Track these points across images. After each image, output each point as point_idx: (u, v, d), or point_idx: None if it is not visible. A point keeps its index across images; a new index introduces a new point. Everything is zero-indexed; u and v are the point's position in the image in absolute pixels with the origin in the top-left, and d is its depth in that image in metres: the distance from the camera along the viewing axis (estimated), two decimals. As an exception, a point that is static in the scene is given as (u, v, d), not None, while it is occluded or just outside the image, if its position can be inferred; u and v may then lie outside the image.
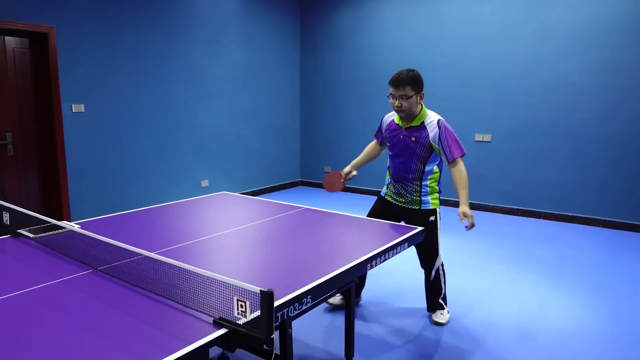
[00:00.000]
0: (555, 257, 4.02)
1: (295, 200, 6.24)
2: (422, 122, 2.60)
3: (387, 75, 6.24)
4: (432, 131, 2.56)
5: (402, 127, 2.66)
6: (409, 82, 2.50)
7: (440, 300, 2.83)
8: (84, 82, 4.50)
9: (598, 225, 5.01)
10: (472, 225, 2.52)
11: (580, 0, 4.85)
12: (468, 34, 5.56)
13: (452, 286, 3.36)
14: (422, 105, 2.62)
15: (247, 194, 6.38)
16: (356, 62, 6.54)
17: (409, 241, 2.21)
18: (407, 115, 2.60)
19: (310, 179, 7.31)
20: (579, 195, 5.09)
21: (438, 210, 2.74)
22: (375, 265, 1.95)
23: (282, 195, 6.63)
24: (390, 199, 2.81)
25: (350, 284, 1.99)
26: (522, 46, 5.23)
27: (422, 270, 3.63)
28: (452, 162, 2.57)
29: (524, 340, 2.60)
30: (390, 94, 2.56)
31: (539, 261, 3.91)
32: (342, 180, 2.88)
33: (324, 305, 3.02)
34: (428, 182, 2.70)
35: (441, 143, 2.56)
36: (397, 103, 2.54)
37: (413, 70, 2.54)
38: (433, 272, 2.78)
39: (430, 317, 2.89)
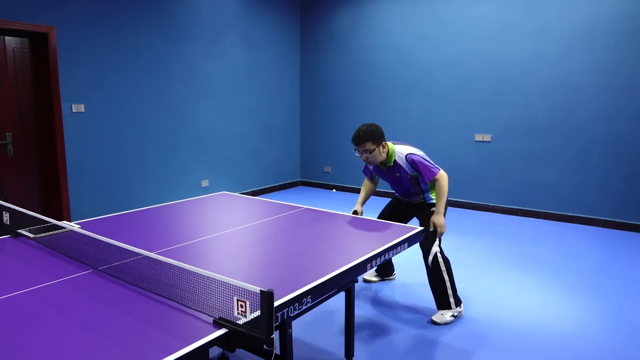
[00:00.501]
0: (555, 257, 4.02)
1: (295, 200, 6.25)
2: (395, 161, 2.86)
3: (387, 75, 6.25)
4: (406, 167, 2.84)
5: (384, 169, 2.93)
6: (367, 139, 2.73)
7: (451, 299, 2.81)
8: (84, 82, 4.50)
9: (598, 225, 5.01)
10: (440, 230, 2.81)
11: (580, 0, 4.85)
12: (468, 34, 5.56)
13: (452, 286, 3.36)
14: (387, 149, 2.84)
15: (247, 194, 6.38)
16: (356, 62, 6.54)
17: (409, 241, 2.21)
18: (376, 164, 2.89)
19: (310, 179, 7.31)
20: (579, 195, 5.09)
21: None
22: (375, 265, 1.95)
23: (282, 195, 6.63)
24: (403, 198, 3.13)
25: (350, 284, 1.99)
26: (522, 46, 5.23)
27: (424, 270, 3.64)
28: (431, 182, 2.86)
29: (524, 340, 2.60)
30: (355, 149, 2.82)
31: (539, 261, 3.91)
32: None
33: (324, 305, 3.02)
34: (428, 188, 2.97)
35: (417, 172, 2.84)
36: (363, 157, 2.81)
37: (371, 125, 2.77)
38: (430, 257, 2.80)
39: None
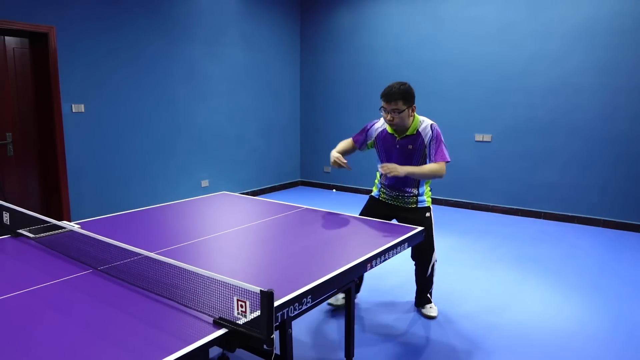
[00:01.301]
0: (555, 257, 4.02)
1: (295, 200, 6.24)
2: (417, 130, 2.63)
3: (387, 76, 6.25)
4: (427, 135, 2.62)
5: (397, 137, 2.67)
6: (400, 97, 2.50)
7: (429, 295, 2.94)
8: (84, 82, 4.50)
9: (598, 225, 5.01)
10: (389, 171, 2.52)
11: (580, 0, 4.84)
12: (468, 33, 5.56)
13: (452, 286, 3.36)
14: (414, 114, 2.64)
15: (247, 194, 6.38)
16: (356, 62, 6.54)
17: (409, 241, 2.21)
18: (400, 127, 2.63)
19: (310, 179, 7.31)
20: (579, 195, 5.09)
21: (431, 207, 2.83)
22: (375, 265, 1.95)
23: (282, 195, 6.63)
24: (384, 200, 2.85)
25: (350, 284, 1.99)
26: (522, 46, 5.23)
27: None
28: (434, 162, 2.63)
29: (523, 340, 2.60)
30: (382, 107, 2.57)
31: (539, 261, 3.91)
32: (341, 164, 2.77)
33: (324, 305, 3.02)
34: (424, 188, 2.79)
35: (430, 145, 2.62)
36: (389, 117, 2.56)
37: (404, 84, 2.54)
38: (429, 268, 2.83)
39: (418, 311, 2.96)
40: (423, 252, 2.79)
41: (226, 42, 5.89)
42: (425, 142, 2.61)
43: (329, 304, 2.96)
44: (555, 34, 5.02)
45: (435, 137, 2.60)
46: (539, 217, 5.35)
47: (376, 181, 2.94)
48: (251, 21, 6.19)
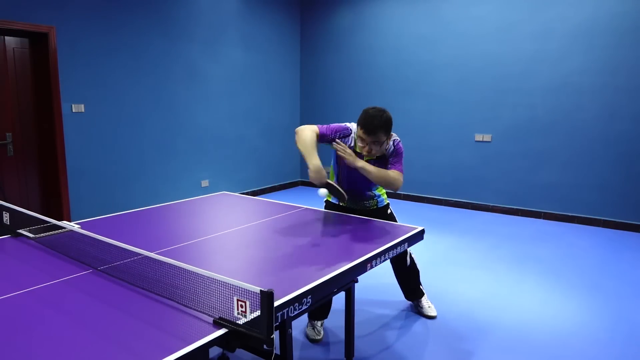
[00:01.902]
0: (555, 257, 4.02)
1: (295, 200, 6.24)
2: (385, 153, 2.47)
3: (387, 75, 6.25)
4: (390, 151, 2.47)
5: (365, 158, 2.47)
6: (383, 129, 2.29)
7: (420, 286, 2.94)
8: (84, 82, 4.50)
9: (598, 225, 5.01)
10: (343, 153, 2.35)
11: (580, 0, 4.84)
12: (468, 33, 5.56)
13: (452, 286, 3.36)
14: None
15: (247, 194, 6.38)
16: (356, 62, 6.54)
17: (409, 241, 2.21)
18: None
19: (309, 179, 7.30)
20: (579, 195, 5.09)
21: (389, 201, 2.81)
22: (375, 265, 1.95)
23: (282, 195, 6.63)
24: (345, 205, 2.68)
25: (350, 284, 1.99)
26: (522, 46, 5.23)
27: (426, 270, 3.63)
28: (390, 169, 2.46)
29: (524, 340, 2.60)
30: (359, 136, 2.34)
31: (539, 261, 3.91)
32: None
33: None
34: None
35: (392, 159, 2.47)
36: (367, 149, 2.34)
37: (384, 112, 2.31)
38: (408, 259, 2.87)
39: (415, 309, 2.97)
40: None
41: (226, 42, 5.89)
42: (388, 156, 2.46)
43: (308, 337, 2.65)
44: (555, 34, 5.02)
45: (398, 153, 2.45)
46: (539, 217, 5.35)
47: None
48: (251, 21, 6.19)
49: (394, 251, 2.08)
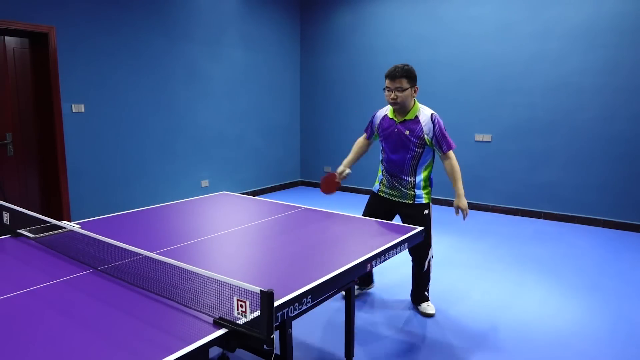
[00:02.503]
0: (555, 257, 4.02)
1: (295, 200, 6.24)
2: (416, 116, 2.69)
3: (387, 75, 6.25)
4: (426, 125, 2.67)
5: (396, 121, 2.74)
6: (404, 75, 2.60)
7: (426, 292, 2.96)
8: (84, 82, 4.50)
9: (598, 225, 5.01)
10: (465, 214, 2.70)
11: (580, 0, 4.85)
12: (468, 33, 5.56)
13: (452, 286, 3.36)
14: (415, 99, 2.72)
15: (247, 194, 6.38)
16: (356, 62, 6.54)
17: (409, 241, 2.21)
18: (401, 108, 2.70)
19: (310, 179, 7.31)
20: (579, 195, 5.09)
21: (430, 204, 2.85)
22: (375, 265, 1.95)
23: (282, 195, 6.63)
24: (383, 194, 2.89)
25: (350, 284, 1.99)
26: (522, 46, 5.23)
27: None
28: (445, 155, 2.72)
29: (523, 340, 2.60)
30: (386, 86, 2.66)
31: (539, 261, 3.91)
32: (337, 180, 2.92)
33: (324, 305, 3.02)
34: (422, 176, 2.79)
35: (435, 137, 2.67)
36: (392, 95, 2.64)
37: (408, 65, 2.64)
38: (426, 264, 2.87)
39: (415, 309, 2.97)
40: (419, 248, 2.84)
41: (226, 42, 5.89)
42: (424, 131, 2.66)
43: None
44: (555, 34, 5.02)
45: (440, 129, 2.66)
46: (539, 217, 5.35)
47: (378, 174, 2.98)
48: (251, 21, 6.20)
49: (394, 251, 2.08)
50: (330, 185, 2.91)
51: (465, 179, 5.78)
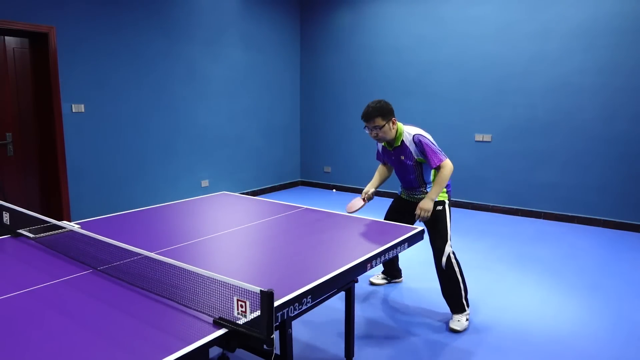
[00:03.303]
0: (555, 257, 4.02)
1: (295, 200, 6.24)
2: (402, 141, 2.79)
3: (387, 75, 6.25)
4: (412, 148, 2.76)
5: (390, 149, 2.88)
6: (377, 114, 2.68)
7: (464, 301, 2.75)
8: (84, 82, 4.50)
9: (598, 225, 5.01)
10: (424, 215, 2.71)
11: (580, 0, 4.85)
12: (468, 34, 5.56)
13: (452, 286, 3.36)
14: (396, 126, 2.78)
15: (247, 194, 6.38)
16: (356, 62, 6.54)
17: (409, 241, 2.21)
18: (386, 141, 2.83)
19: (310, 179, 7.31)
20: (579, 195, 5.09)
21: (447, 202, 2.85)
22: (375, 265, 1.95)
23: (282, 195, 6.63)
24: (405, 197, 3.04)
25: (350, 284, 1.99)
26: (522, 46, 5.23)
27: (427, 270, 3.64)
28: (436, 168, 2.74)
29: (524, 340, 2.60)
30: (365, 126, 2.76)
31: (539, 261, 3.91)
32: (364, 199, 2.97)
33: (324, 305, 3.02)
34: (432, 180, 2.87)
35: (423, 155, 2.74)
36: (373, 134, 2.75)
37: (380, 101, 2.72)
38: (444, 259, 2.70)
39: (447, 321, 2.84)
40: (435, 243, 2.75)
41: (226, 42, 5.89)
42: (413, 153, 2.76)
43: (372, 282, 3.39)
44: (555, 34, 5.02)
45: (423, 147, 2.71)
46: (539, 217, 5.35)
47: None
48: (251, 21, 6.20)
49: (394, 251, 2.08)
50: (355, 205, 2.95)
51: (465, 179, 5.79)
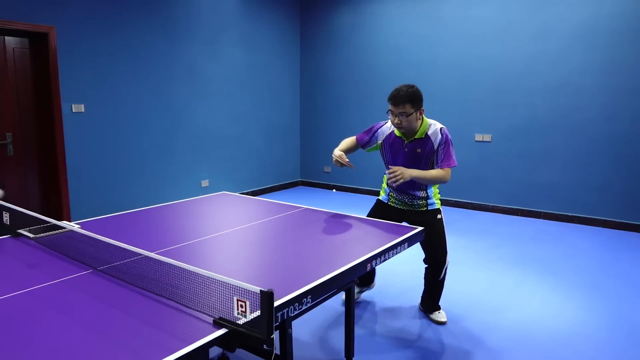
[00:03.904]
0: (555, 257, 4.02)
1: (295, 200, 6.24)
2: (426, 134, 2.57)
3: (387, 75, 6.25)
4: (436, 140, 2.56)
5: (405, 140, 2.62)
6: (408, 100, 2.44)
7: (439, 302, 2.88)
8: (84, 82, 4.50)
9: (598, 225, 5.01)
10: (395, 180, 2.46)
11: (580, 0, 4.84)
12: (468, 34, 5.56)
13: (452, 286, 3.36)
14: (423, 117, 2.59)
15: (247, 194, 6.38)
16: (356, 62, 6.54)
17: (409, 241, 2.21)
18: (407, 131, 2.59)
19: (310, 179, 7.31)
20: (579, 195, 5.09)
21: (441, 208, 2.78)
22: (375, 265, 1.95)
23: (282, 195, 6.63)
24: (394, 204, 2.80)
25: (350, 284, 1.98)
26: (522, 46, 5.23)
27: (422, 270, 3.63)
28: (441, 168, 2.59)
29: (524, 340, 2.60)
30: (390, 110, 2.52)
31: (539, 261, 3.91)
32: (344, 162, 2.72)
33: (324, 305, 3.02)
34: (432, 185, 2.73)
35: (440, 148, 2.56)
36: (397, 120, 2.51)
37: (412, 87, 2.48)
38: (443, 271, 2.75)
39: (426, 316, 2.89)
40: (437, 255, 2.72)
41: (226, 42, 5.89)
42: (435, 147, 2.56)
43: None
44: (555, 34, 5.02)
45: (445, 142, 2.55)
46: (539, 217, 5.35)
47: (384, 185, 2.88)
48: (251, 21, 6.20)
49: (394, 251, 2.08)
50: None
51: (465, 179, 5.79)
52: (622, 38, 4.67)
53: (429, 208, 2.72)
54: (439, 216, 2.71)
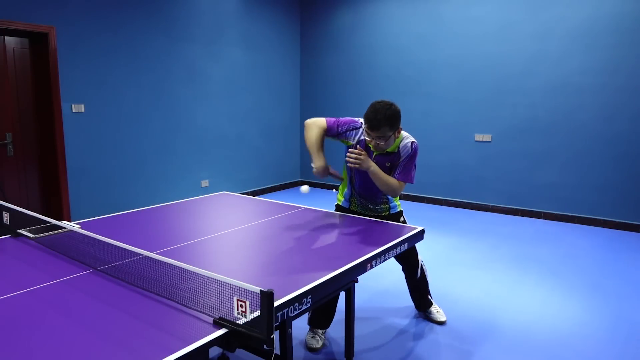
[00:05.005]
0: (555, 257, 4.02)
1: (295, 200, 6.24)
2: (398, 148, 2.44)
3: (387, 75, 6.25)
4: (405, 154, 2.44)
5: (374, 153, 2.45)
6: (386, 123, 2.24)
7: (429, 297, 2.88)
8: (84, 82, 4.50)
9: (598, 225, 5.01)
10: (355, 161, 2.29)
11: (580, 0, 4.84)
12: (468, 33, 5.56)
13: (452, 286, 3.36)
14: (399, 134, 2.43)
15: (247, 194, 6.38)
16: (356, 62, 6.54)
17: (409, 241, 2.21)
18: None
19: (310, 179, 7.31)
20: (579, 195, 5.09)
21: (402, 209, 2.73)
22: (375, 265, 1.95)
23: (282, 195, 6.63)
24: (356, 209, 2.67)
25: (350, 284, 1.98)
26: (522, 46, 5.23)
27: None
28: (398, 180, 2.44)
29: (524, 340, 2.60)
30: (365, 131, 2.32)
31: (539, 261, 3.91)
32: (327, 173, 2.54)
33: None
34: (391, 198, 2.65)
35: (402, 161, 2.44)
36: (373, 143, 2.33)
37: (390, 106, 2.26)
38: (419, 271, 2.78)
39: (424, 316, 2.90)
40: (407, 257, 2.70)
41: (226, 42, 5.89)
42: (401, 159, 2.44)
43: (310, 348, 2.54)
44: (555, 34, 5.02)
45: (410, 156, 2.43)
46: (539, 217, 5.35)
47: (343, 188, 2.71)
48: (251, 21, 6.19)
49: (394, 251, 2.08)
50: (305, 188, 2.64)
51: (465, 179, 5.79)
52: (622, 38, 4.67)
53: (391, 212, 2.64)
54: (401, 219, 2.65)
